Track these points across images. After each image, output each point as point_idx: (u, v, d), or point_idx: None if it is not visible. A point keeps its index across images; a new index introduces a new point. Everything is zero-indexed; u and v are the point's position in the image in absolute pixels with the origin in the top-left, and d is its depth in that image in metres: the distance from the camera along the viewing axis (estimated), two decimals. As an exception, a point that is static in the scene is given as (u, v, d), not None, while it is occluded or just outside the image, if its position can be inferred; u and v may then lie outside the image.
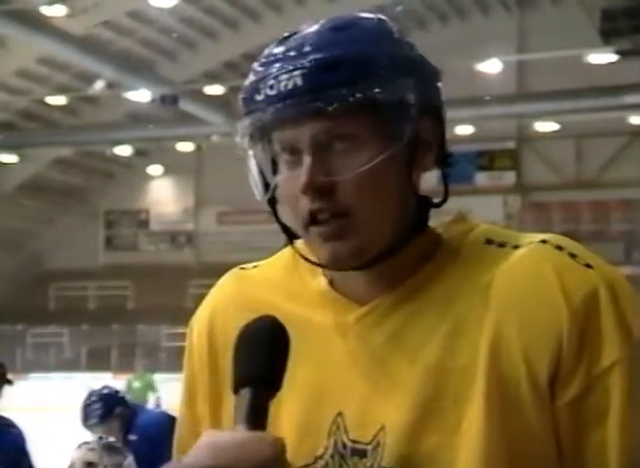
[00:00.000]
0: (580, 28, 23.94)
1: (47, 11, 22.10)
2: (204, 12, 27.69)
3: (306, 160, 1.26)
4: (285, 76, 1.25)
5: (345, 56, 1.25)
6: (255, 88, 1.28)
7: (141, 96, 25.47)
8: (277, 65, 1.27)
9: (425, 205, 1.33)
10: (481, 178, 31.20)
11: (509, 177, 31.63)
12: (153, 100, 25.13)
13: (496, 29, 28.35)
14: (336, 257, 1.27)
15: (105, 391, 5.83)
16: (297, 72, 1.24)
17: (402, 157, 1.27)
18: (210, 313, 1.42)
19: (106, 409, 5.53)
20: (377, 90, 1.24)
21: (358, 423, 1.27)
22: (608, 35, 22.02)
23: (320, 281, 1.36)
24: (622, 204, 30.48)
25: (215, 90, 27.22)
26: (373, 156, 1.25)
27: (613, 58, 22.59)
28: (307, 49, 1.26)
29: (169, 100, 24.02)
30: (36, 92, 29.25)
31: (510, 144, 31.43)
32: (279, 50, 1.29)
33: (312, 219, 1.26)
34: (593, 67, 23.97)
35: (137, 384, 19.00)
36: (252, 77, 1.30)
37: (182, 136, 29.35)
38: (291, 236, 1.35)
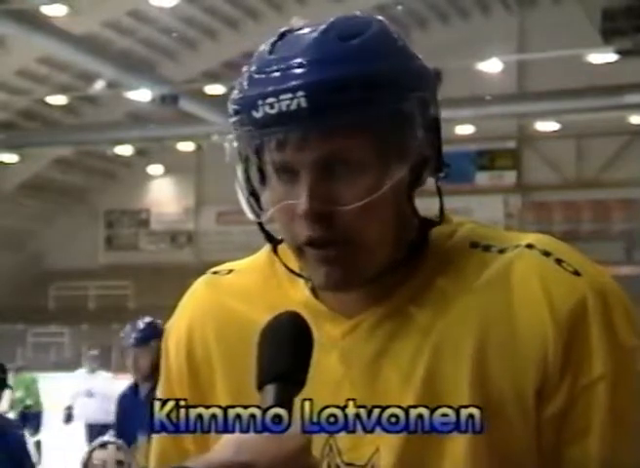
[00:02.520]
0: (581, 28, 23.93)
1: (47, 10, 22.09)
2: (204, 11, 27.69)
3: (305, 184, 1.18)
4: (287, 95, 1.15)
5: (353, 75, 1.16)
6: (252, 103, 1.18)
7: (142, 95, 25.45)
8: (276, 81, 1.17)
9: (425, 225, 1.28)
10: (481, 178, 31.18)
11: (510, 177, 31.61)
12: (153, 100, 25.11)
13: (496, 29, 28.34)
14: (330, 281, 1.22)
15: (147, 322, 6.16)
16: (300, 92, 1.15)
17: (404, 178, 1.21)
18: (187, 326, 1.36)
19: (143, 337, 5.96)
20: (385, 113, 1.17)
21: (351, 445, 1.24)
22: (608, 35, 22.00)
23: (301, 289, 1.30)
24: (623, 203, 30.47)
25: (215, 89, 27.20)
26: (376, 182, 1.18)
27: (613, 57, 22.57)
28: (310, 64, 1.17)
29: (169, 100, 24.01)
30: (36, 91, 29.24)
31: (511, 144, 31.41)
32: (277, 57, 1.20)
33: (309, 243, 1.21)
34: (594, 67, 23.97)
35: (19, 394, 14.30)
36: (247, 86, 1.21)
37: (183, 136, 29.34)
38: (275, 242, 1.30)
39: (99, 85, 25.03)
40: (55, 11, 22.08)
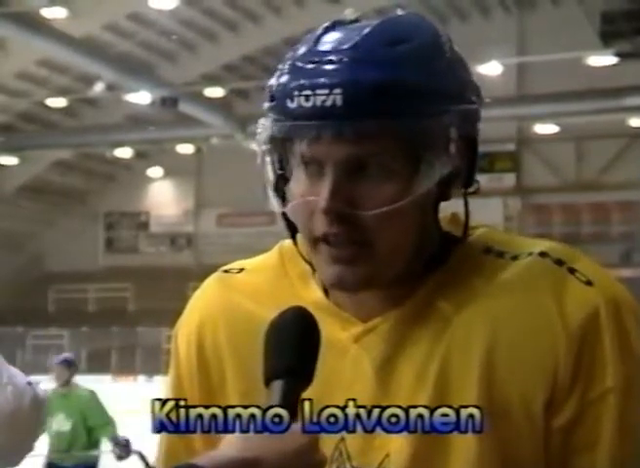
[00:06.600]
0: (580, 30, 23.96)
1: (47, 13, 22.12)
2: (204, 14, 27.71)
3: (329, 182, 1.16)
4: (324, 91, 1.14)
5: (391, 81, 1.14)
6: (288, 92, 1.17)
7: (141, 98, 25.48)
8: (315, 74, 1.16)
9: (448, 239, 1.26)
10: (481, 180, 30.95)
11: (509, 179, 31.63)
12: (153, 103, 25.14)
13: (496, 32, 28.36)
14: (341, 282, 1.20)
15: None
16: (337, 90, 1.13)
17: (431, 191, 1.19)
18: (197, 322, 1.35)
19: None
20: (420, 124, 1.15)
21: (361, 450, 1.22)
22: (608, 37, 22.03)
23: (314, 290, 1.29)
24: (622, 206, 30.49)
25: (214, 92, 27.23)
26: (401, 191, 1.16)
27: (613, 60, 22.60)
28: (352, 63, 1.15)
29: (169, 103, 24.03)
30: (36, 94, 29.26)
31: (510, 146, 31.44)
32: (321, 50, 1.18)
33: (325, 239, 1.19)
34: (593, 69, 23.98)
35: None
36: (286, 73, 1.19)
37: (182, 139, 29.36)
38: (293, 231, 1.27)
39: (98, 87, 25.05)
40: (54, 13, 22.11)
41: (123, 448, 7.30)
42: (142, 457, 7.02)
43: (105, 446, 7.68)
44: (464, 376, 1.20)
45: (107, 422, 7.60)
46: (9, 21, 20.63)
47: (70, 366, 7.96)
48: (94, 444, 7.68)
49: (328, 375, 1.18)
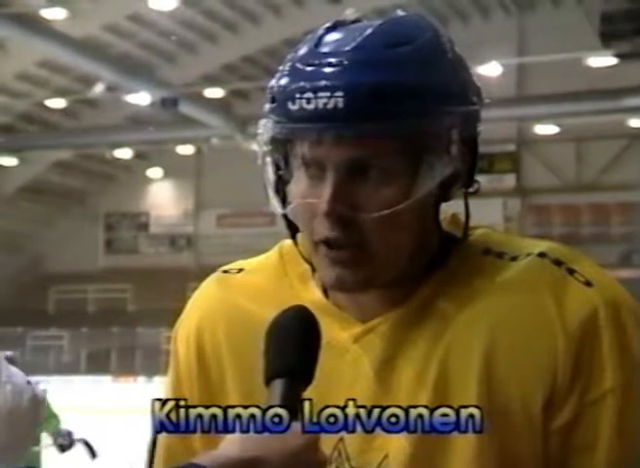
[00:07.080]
0: (580, 31, 23.96)
1: (47, 14, 22.13)
2: (203, 15, 27.71)
3: (330, 185, 1.16)
4: (326, 94, 1.14)
5: (393, 83, 1.14)
6: (289, 94, 1.16)
7: (141, 98, 25.50)
8: (317, 76, 1.15)
9: (448, 240, 1.26)
10: (481, 181, 31.06)
11: (509, 180, 31.63)
12: (153, 103, 25.15)
13: (496, 32, 28.37)
14: (341, 283, 1.20)
15: None
16: (339, 93, 1.13)
17: (431, 192, 1.19)
18: (196, 322, 1.35)
19: None
20: (422, 127, 1.15)
21: (360, 450, 1.22)
22: (607, 38, 22.04)
23: (313, 290, 1.29)
24: (622, 206, 30.49)
25: (214, 93, 27.25)
26: (402, 193, 1.16)
27: (612, 60, 22.62)
28: (353, 65, 1.15)
29: (169, 103, 24.04)
30: (36, 95, 29.27)
31: (510, 147, 31.44)
32: (322, 51, 1.18)
33: (326, 242, 1.19)
34: (593, 70, 24.00)
35: None
36: (287, 75, 1.19)
37: (182, 139, 29.37)
38: (294, 231, 1.27)
39: (98, 88, 25.06)
40: (54, 14, 22.13)
41: (65, 439, 7.21)
42: (87, 445, 6.97)
43: (45, 441, 7.62)
44: (464, 376, 1.20)
45: (51, 416, 7.50)
46: (9, 22, 20.66)
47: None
48: (34, 441, 7.58)
49: (328, 376, 1.18)
